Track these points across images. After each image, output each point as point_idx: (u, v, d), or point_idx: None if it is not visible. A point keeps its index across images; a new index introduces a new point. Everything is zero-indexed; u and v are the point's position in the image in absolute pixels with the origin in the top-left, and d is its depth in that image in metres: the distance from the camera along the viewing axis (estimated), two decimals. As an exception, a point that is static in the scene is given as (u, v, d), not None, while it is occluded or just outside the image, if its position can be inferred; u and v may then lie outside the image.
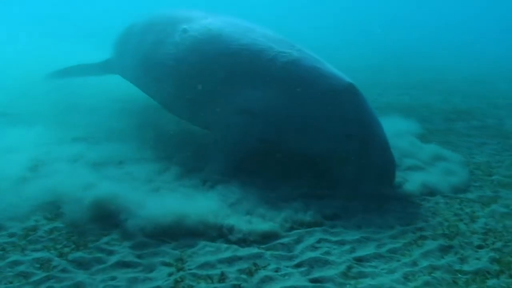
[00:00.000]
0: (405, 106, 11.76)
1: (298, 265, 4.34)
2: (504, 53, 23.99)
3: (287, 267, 4.31)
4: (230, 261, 4.34)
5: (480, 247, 4.69)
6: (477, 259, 4.45)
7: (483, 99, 13.19)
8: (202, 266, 4.25)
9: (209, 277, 4.08)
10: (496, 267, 4.28)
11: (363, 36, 28.39)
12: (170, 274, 4.11)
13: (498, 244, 4.71)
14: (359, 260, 4.46)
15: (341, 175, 5.74)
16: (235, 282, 4.01)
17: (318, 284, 4.02)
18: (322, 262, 4.37)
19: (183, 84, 6.67)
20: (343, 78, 5.95)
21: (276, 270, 4.24)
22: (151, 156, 6.65)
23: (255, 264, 4.29)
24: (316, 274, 4.19)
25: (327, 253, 4.55)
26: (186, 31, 6.85)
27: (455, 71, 18.47)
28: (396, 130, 7.77)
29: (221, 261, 4.32)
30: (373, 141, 5.72)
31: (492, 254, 4.52)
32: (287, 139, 5.93)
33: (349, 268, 4.27)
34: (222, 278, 4.08)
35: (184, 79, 6.65)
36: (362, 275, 4.19)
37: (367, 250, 4.64)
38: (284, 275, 4.15)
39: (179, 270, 4.18)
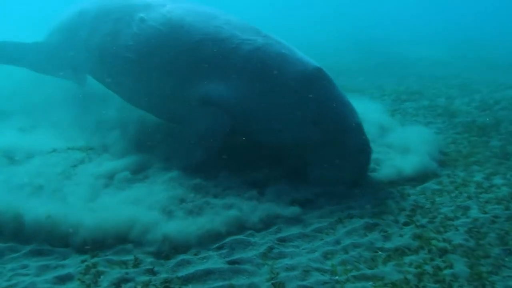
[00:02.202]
0: (358, 88, 11.73)
1: (219, 248, 4.26)
2: (466, 37, 24.13)
3: (208, 250, 4.23)
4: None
5: (406, 224, 4.68)
6: (400, 236, 4.43)
7: (438, 79, 13.23)
8: (118, 252, 4.14)
9: (123, 263, 3.98)
10: (417, 243, 4.26)
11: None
12: (83, 261, 4.00)
13: (423, 221, 4.70)
14: (283, 240, 4.41)
15: (315, 163, 5.54)
16: (149, 267, 3.92)
17: (236, 266, 3.95)
18: (244, 244, 4.31)
19: (144, 78, 6.39)
20: (309, 63, 5.73)
21: (196, 253, 4.16)
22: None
23: (174, 248, 4.20)
24: (235, 256, 4.12)
25: (251, 234, 4.49)
26: (144, 21, 6.50)
27: (415, 54, 18.52)
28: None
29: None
30: (344, 125, 5.49)
31: (415, 230, 4.50)
32: (255, 129, 5.72)
33: (270, 249, 4.22)
34: (136, 263, 3.98)
35: (144, 73, 6.36)
36: (282, 255, 4.14)
37: (293, 230, 4.59)
38: (202, 258, 4.07)
39: (93, 256, 4.07)
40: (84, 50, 7.32)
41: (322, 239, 4.42)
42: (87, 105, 7.87)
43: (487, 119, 8.72)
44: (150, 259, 4.04)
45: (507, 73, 14.06)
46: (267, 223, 4.67)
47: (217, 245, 4.30)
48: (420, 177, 5.83)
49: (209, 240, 4.34)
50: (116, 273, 3.84)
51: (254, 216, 4.71)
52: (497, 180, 5.73)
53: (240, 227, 4.58)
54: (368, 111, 7.91)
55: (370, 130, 6.56)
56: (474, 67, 15.37)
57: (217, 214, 4.72)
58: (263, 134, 5.72)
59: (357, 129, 5.51)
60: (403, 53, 18.60)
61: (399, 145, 6.67)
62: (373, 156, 5.77)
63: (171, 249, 4.18)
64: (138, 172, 5.76)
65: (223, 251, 4.21)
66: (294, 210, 4.90)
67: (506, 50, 19.44)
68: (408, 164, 5.95)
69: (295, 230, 4.60)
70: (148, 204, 4.85)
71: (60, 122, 7.33)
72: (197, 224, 4.48)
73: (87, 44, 7.22)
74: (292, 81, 5.58)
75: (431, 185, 5.63)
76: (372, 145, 5.66)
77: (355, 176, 5.51)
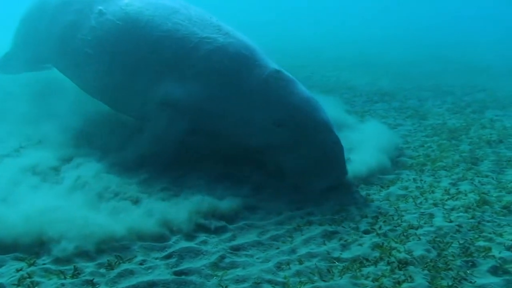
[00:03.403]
0: (329, 88, 11.55)
1: (168, 257, 4.00)
2: (441, 40, 24.14)
3: (155, 259, 3.97)
4: (92, 254, 3.96)
5: (366, 232, 4.46)
6: (360, 245, 4.21)
7: (411, 80, 13.09)
8: (58, 260, 3.85)
9: (61, 272, 3.69)
10: (376, 253, 4.04)
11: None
12: (18, 270, 3.70)
13: (385, 229, 4.49)
14: (236, 249, 4.17)
15: (284, 165, 5.27)
16: (89, 277, 3.63)
17: (182, 277, 3.69)
18: (194, 253, 4.06)
19: (103, 74, 6.15)
20: (267, 65, 5.47)
21: (141, 262, 3.89)
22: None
23: (118, 257, 3.92)
24: (184, 265, 3.86)
25: (204, 242, 4.24)
26: (102, 14, 6.26)
27: (388, 55, 18.43)
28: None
29: (79, 255, 3.93)
30: (309, 124, 5.21)
31: (376, 239, 4.29)
32: (220, 133, 5.47)
33: (222, 258, 3.97)
34: (76, 273, 3.69)
35: (103, 68, 6.11)
36: (233, 265, 3.90)
37: (248, 238, 4.35)
38: (148, 268, 3.81)
39: (30, 265, 3.77)
40: (46, 40, 7.06)
41: (277, 248, 4.18)
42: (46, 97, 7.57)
43: (458, 122, 8.58)
44: (91, 269, 3.76)
45: (482, 75, 13.99)
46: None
47: (165, 253, 4.03)
48: (384, 182, 5.64)
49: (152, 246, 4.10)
50: (52, 284, 3.55)
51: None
52: (465, 186, 5.56)
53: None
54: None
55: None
56: (449, 68, 15.27)
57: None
58: (229, 138, 5.49)
59: (324, 126, 5.22)
60: (377, 54, 18.49)
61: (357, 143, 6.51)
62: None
63: (115, 257, 3.91)
64: (68, 162, 5.68)
65: (172, 260, 3.95)
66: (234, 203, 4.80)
67: (484, 51, 19.42)
68: (364, 164, 5.76)
69: (250, 237, 4.36)
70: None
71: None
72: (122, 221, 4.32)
73: (48, 35, 6.95)
74: (250, 84, 5.35)
75: (396, 190, 5.43)
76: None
77: (333, 177, 5.22)
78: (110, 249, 4.03)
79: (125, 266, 3.83)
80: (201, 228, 4.47)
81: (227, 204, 4.80)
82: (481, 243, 4.21)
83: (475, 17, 35.46)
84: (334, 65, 15.26)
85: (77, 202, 4.61)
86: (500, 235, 4.38)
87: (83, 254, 3.92)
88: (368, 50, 19.37)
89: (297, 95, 5.35)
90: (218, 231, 4.45)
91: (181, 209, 4.63)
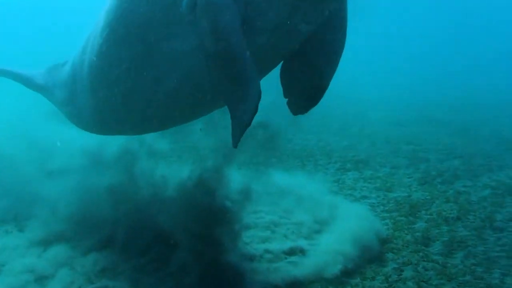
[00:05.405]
0: (306, 153, 11.74)
1: None
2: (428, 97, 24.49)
3: None
4: None
5: None
6: None
7: (390, 144, 13.21)
8: None
9: None
10: None
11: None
12: None
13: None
14: None
15: None
16: None
17: None
18: None
19: None
20: None
21: None
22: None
23: None
24: None
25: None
26: None
27: (375, 114, 18.67)
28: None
29: None
30: None
31: None
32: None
33: None
34: None
35: None
36: None
37: None
38: None
39: None
40: None
41: None
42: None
43: (423, 194, 8.62)
44: None
45: (463, 138, 14.08)
46: None
47: None
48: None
49: None
50: None
51: None
52: (407, 272, 5.57)
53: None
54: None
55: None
56: (431, 131, 15.40)
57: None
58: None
59: None
60: (364, 113, 18.72)
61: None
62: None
63: None
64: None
65: None
66: None
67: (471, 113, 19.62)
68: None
69: None
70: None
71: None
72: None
73: None
74: None
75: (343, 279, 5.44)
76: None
77: None
78: None
79: None
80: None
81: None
82: None
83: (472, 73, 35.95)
84: (317, 127, 15.41)
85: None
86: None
87: None
88: (354, 109, 19.60)
89: None
90: None
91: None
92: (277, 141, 7.74)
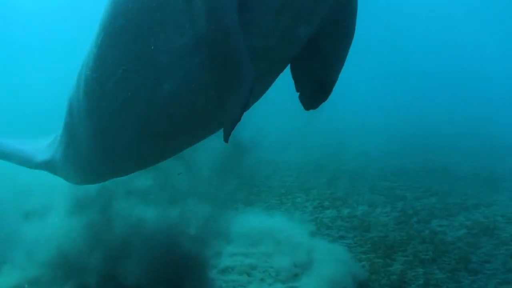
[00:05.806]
0: (284, 190, 11.77)
1: None
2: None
3: None
4: None
5: None
6: None
7: (367, 181, 13.34)
8: None
9: None
10: None
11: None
12: None
13: None
14: None
15: None
16: None
17: None
18: None
19: None
20: None
21: None
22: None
23: None
24: None
25: None
26: None
27: (356, 148, 18.87)
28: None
29: None
30: None
31: None
32: None
33: None
34: None
35: None
36: None
37: None
38: None
39: None
40: None
41: None
42: None
43: (400, 234, 8.69)
44: None
45: (440, 177, 14.26)
46: None
47: None
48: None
49: None
50: None
51: None
52: (380, 320, 5.60)
53: None
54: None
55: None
56: (407, 167, 15.59)
57: None
58: None
59: None
60: (342, 146, 18.92)
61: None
62: None
63: None
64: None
65: None
66: None
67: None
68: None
69: None
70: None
71: None
72: None
73: None
74: None
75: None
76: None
77: None
78: None
79: None
80: None
81: None
82: None
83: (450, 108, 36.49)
84: (297, 164, 15.52)
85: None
86: None
87: None
88: (334, 141, 19.81)
89: None
90: None
91: None
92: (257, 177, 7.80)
